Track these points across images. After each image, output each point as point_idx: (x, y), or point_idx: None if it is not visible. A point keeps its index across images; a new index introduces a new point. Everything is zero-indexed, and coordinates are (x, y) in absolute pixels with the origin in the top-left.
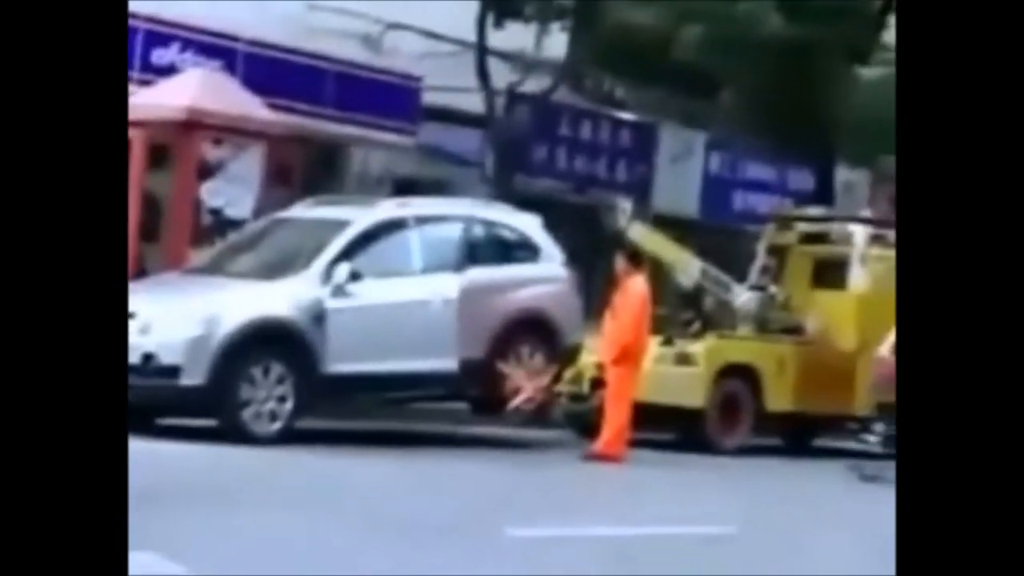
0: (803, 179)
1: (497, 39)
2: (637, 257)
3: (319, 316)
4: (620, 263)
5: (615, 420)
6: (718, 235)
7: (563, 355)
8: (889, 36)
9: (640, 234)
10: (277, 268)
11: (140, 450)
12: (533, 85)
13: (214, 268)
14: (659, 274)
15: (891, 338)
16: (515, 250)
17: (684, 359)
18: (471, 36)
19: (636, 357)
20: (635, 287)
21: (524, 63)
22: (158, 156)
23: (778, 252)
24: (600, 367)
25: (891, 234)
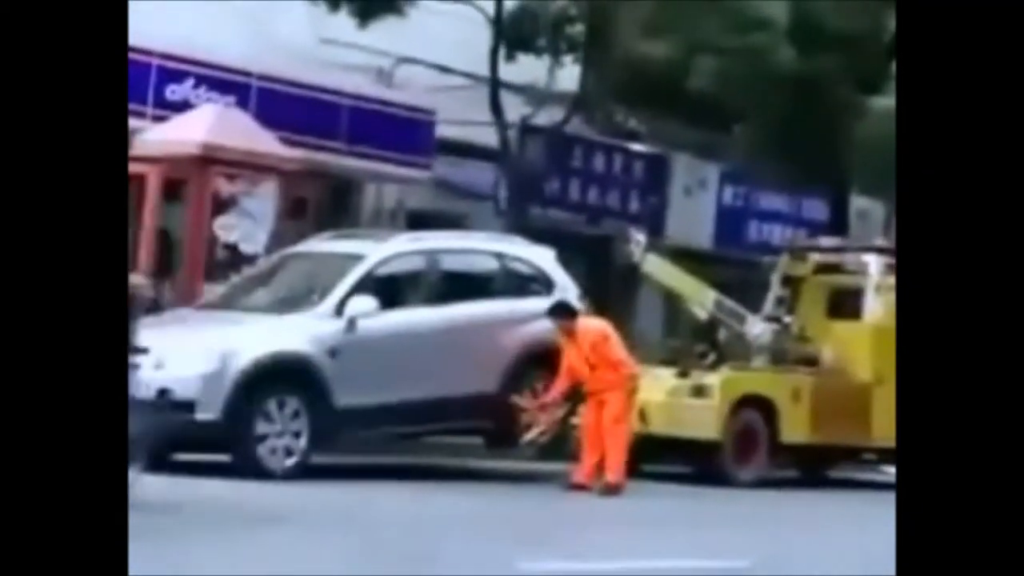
0: (817, 209)
1: (509, 72)
2: (569, 309)
3: (334, 350)
4: (559, 323)
5: (620, 450)
6: (732, 266)
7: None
8: None
9: (654, 266)
10: (291, 302)
11: (155, 485)
12: (546, 118)
13: (228, 303)
14: (674, 306)
15: None
16: (529, 283)
17: (699, 391)
18: (483, 69)
19: (631, 387)
20: (596, 329)
21: (537, 96)
22: (172, 191)
23: (793, 283)
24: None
25: None
